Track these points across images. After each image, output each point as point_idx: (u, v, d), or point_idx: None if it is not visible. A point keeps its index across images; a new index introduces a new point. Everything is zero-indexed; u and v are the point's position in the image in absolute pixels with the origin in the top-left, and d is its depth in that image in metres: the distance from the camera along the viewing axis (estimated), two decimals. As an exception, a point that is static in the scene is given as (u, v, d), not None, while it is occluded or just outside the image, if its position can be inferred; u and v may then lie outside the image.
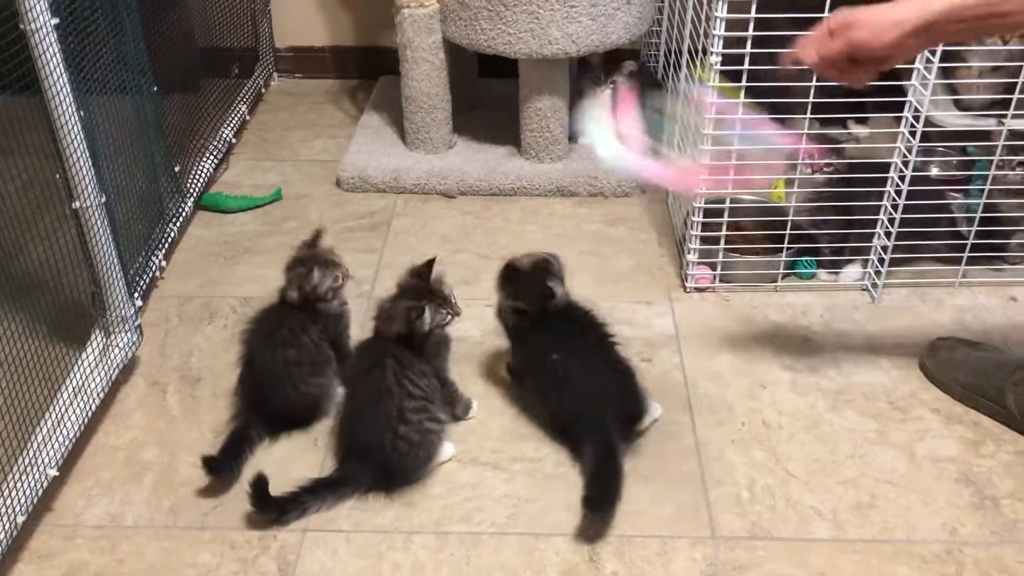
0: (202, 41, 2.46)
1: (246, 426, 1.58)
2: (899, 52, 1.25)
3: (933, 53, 1.69)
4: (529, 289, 1.60)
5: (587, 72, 2.30)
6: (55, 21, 1.44)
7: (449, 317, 1.58)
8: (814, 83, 1.72)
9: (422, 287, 1.56)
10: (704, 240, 1.92)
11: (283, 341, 1.59)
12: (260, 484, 1.42)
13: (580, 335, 1.60)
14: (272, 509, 1.43)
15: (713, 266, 1.95)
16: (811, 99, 1.74)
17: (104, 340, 1.71)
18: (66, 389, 1.58)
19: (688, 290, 1.97)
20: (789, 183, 1.94)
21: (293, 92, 2.82)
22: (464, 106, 2.45)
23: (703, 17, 1.81)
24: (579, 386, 1.53)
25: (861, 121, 2.03)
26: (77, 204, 1.56)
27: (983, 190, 1.88)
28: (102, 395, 1.62)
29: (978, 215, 1.90)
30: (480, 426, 1.64)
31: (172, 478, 1.54)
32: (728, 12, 1.67)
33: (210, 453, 1.50)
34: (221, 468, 1.50)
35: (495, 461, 1.57)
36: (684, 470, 1.55)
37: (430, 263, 1.59)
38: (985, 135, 1.91)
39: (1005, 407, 1.61)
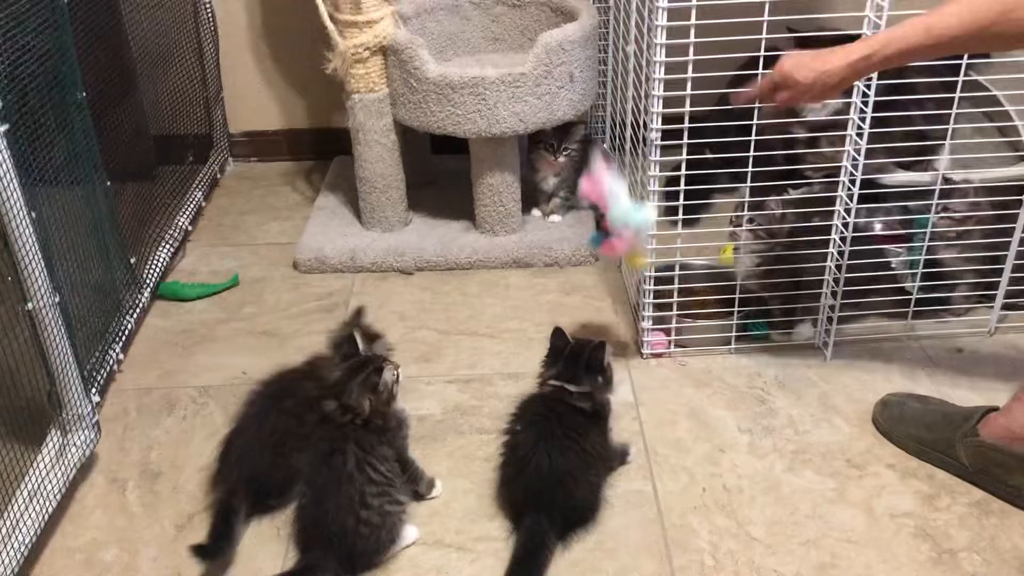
0: (155, 129, 2.48)
1: (227, 499, 1.57)
2: (842, 88, 1.50)
3: (864, 120, 1.76)
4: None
5: (539, 142, 2.36)
6: (4, 127, 1.46)
7: (398, 374, 1.59)
8: (752, 154, 1.78)
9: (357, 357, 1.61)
10: (658, 307, 1.96)
11: (288, 412, 1.63)
12: None
13: (561, 414, 1.59)
14: None
15: (668, 332, 1.99)
16: (751, 168, 1.80)
17: (61, 439, 1.69)
18: (22, 492, 1.55)
19: (645, 356, 2.00)
20: (736, 248, 1.99)
21: (249, 176, 2.85)
22: (418, 183, 2.49)
23: (642, 94, 1.88)
24: (526, 465, 1.54)
25: (797, 188, 2.09)
26: (30, 305, 1.56)
27: (924, 245, 1.94)
28: (59, 496, 1.60)
29: (920, 270, 1.96)
30: (444, 507, 1.64)
31: (133, 578, 1.53)
32: (665, 90, 1.74)
33: (199, 543, 1.48)
34: (214, 552, 1.48)
35: (460, 542, 1.57)
36: (648, 540, 1.56)
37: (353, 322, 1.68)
38: (925, 192, 1.97)
39: (957, 459, 1.64)
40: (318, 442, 1.56)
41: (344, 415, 1.54)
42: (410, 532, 1.56)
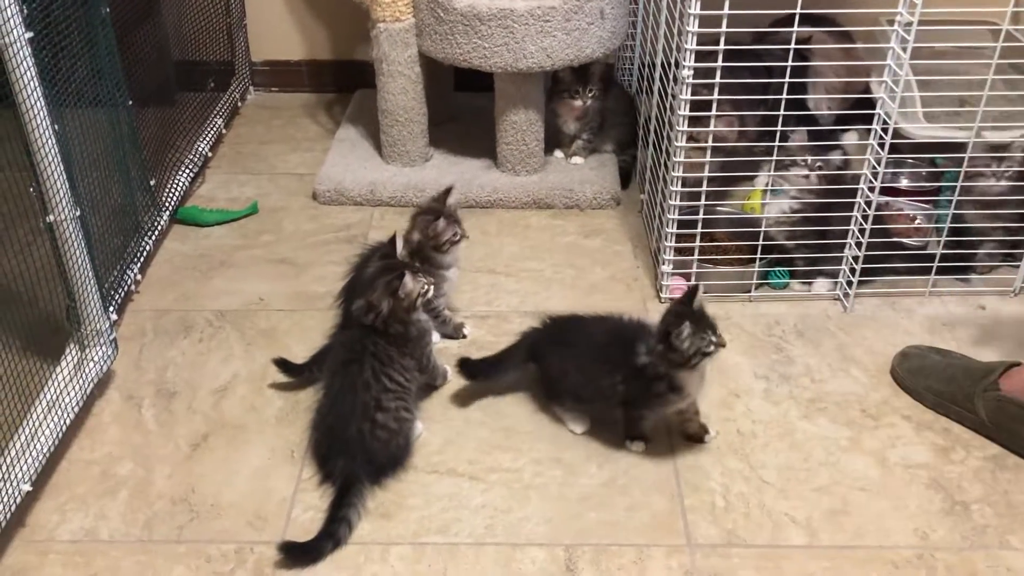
0: (177, 55, 2.46)
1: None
2: None
3: (900, 66, 1.72)
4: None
5: (563, 90, 2.31)
6: (29, 35, 1.44)
7: (427, 288, 1.60)
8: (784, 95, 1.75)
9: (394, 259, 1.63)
10: (678, 251, 1.94)
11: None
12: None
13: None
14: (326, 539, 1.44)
15: (688, 277, 1.97)
16: (782, 111, 1.77)
17: (79, 354, 1.70)
18: (40, 403, 1.57)
19: (663, 301, 1.98)
20: (763, 194, 1.97)
21: (269, 106, 2.82)
22: (440, 119, 2.46)
23: (675, 31, 1.84)
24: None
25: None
26: (51, 217, 1.56)
27: (951, 201, 1.91)
28: (76, 409, 1.61)
29: (947, 225, 1.93)
30: (457, 437, 1.64)
31: (147, 492, 1.54)
32: (700, 27, 1.70)
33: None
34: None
35: (472, 472, 1.57)
36: (660, 478, 1.56)
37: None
38: (954, 146, 1.94)
39: (975, 413, 1.63)
40: (337, 351, 1.58)
41: (367, 314, 1.55)
42: (417, 427, 1.62)
